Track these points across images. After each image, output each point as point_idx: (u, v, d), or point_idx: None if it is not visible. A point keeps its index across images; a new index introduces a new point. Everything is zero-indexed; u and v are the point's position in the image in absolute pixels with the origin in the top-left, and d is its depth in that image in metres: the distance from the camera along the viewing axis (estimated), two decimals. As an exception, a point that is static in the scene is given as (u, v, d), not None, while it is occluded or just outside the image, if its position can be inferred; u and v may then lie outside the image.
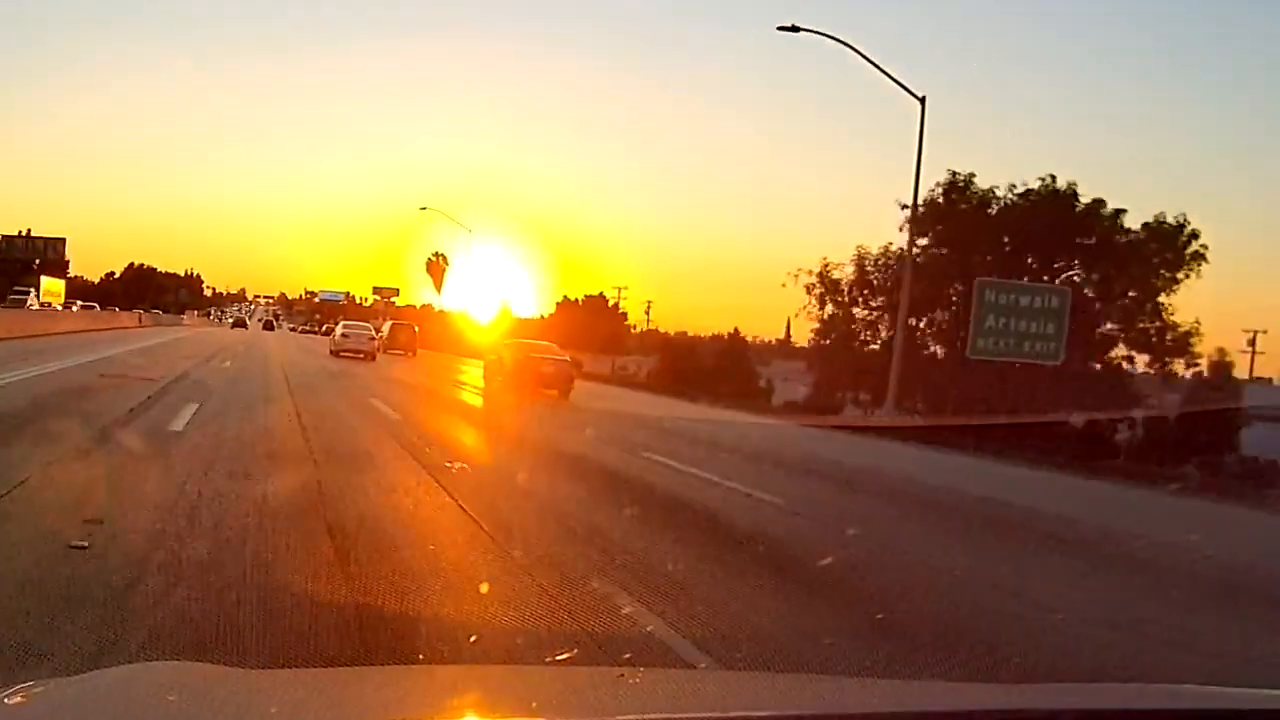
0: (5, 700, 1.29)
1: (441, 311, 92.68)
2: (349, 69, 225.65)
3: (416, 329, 42.88)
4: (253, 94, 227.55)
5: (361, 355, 31.78)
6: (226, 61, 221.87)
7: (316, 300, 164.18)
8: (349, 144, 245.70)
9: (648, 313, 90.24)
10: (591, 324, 77.28)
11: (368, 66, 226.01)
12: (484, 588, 4.05)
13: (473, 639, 3.31)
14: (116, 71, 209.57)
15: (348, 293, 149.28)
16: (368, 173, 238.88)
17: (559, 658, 3.30)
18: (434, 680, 1.80)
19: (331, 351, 33.76)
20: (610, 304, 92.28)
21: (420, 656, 3.19)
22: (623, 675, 1.56)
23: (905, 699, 1.60)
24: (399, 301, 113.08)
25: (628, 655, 3.50)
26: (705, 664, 3.23)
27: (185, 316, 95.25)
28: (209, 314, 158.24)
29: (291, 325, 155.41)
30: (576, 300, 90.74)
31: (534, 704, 1.46)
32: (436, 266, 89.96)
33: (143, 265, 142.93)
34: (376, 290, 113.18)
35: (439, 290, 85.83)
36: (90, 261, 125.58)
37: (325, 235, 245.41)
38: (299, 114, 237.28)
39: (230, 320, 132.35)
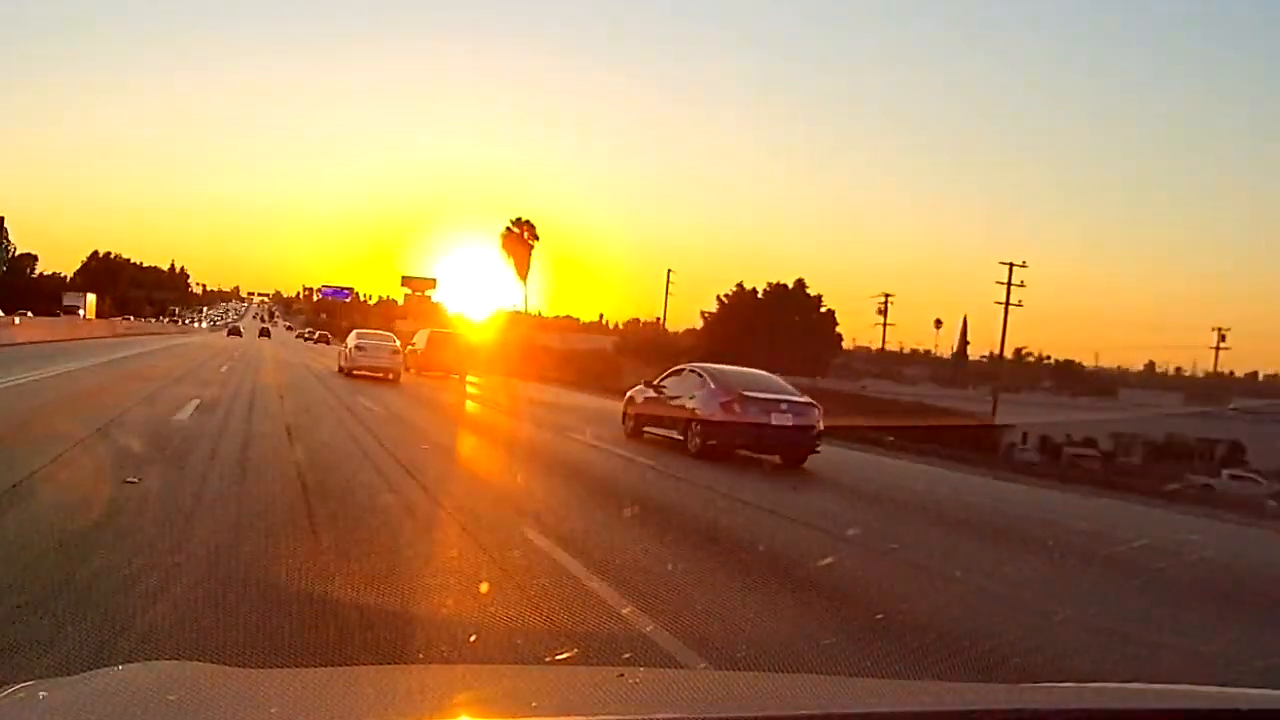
0: (4, 700, 1.30)
1: (453, 314, 76.49)
2: (349, 63, 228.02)
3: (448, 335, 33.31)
4: (247, 88, 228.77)
5: (381, 375, 25.63)
6: (220, 55, 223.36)
7: (317, 298, 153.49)
8: (340, 135, 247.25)
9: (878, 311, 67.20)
10: (780, 331, 56.25)
11: (369, 61, 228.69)
12: None
13: None
14: (111, 69, 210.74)
15: (351, 288, 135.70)
16: (367, 163, 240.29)
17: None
18: (434, 680, 1.84)
19: (342, 369, 27.27)
20: (812, 300, 64.52)
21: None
22: (623, 675, 1.59)
23: (905, 699, 1.64)
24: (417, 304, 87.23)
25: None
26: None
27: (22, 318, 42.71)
28: (174, 315, 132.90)
29: (289, 324, 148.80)
30: (754, 291, 64.78)
31: (534, 704, 1.50)
32: (518, 241, 64.53)
33: (109, 254, 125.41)
34: (406, 281, 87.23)
35: (523, 275, 64.07)
36: (72, 259, 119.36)
37: (323, 229, 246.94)
38: (293, 107, 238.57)
39: (212, 324, 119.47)
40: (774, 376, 14.87)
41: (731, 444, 13.09)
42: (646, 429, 14.81)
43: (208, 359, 29.88)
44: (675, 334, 71.27)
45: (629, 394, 15.91)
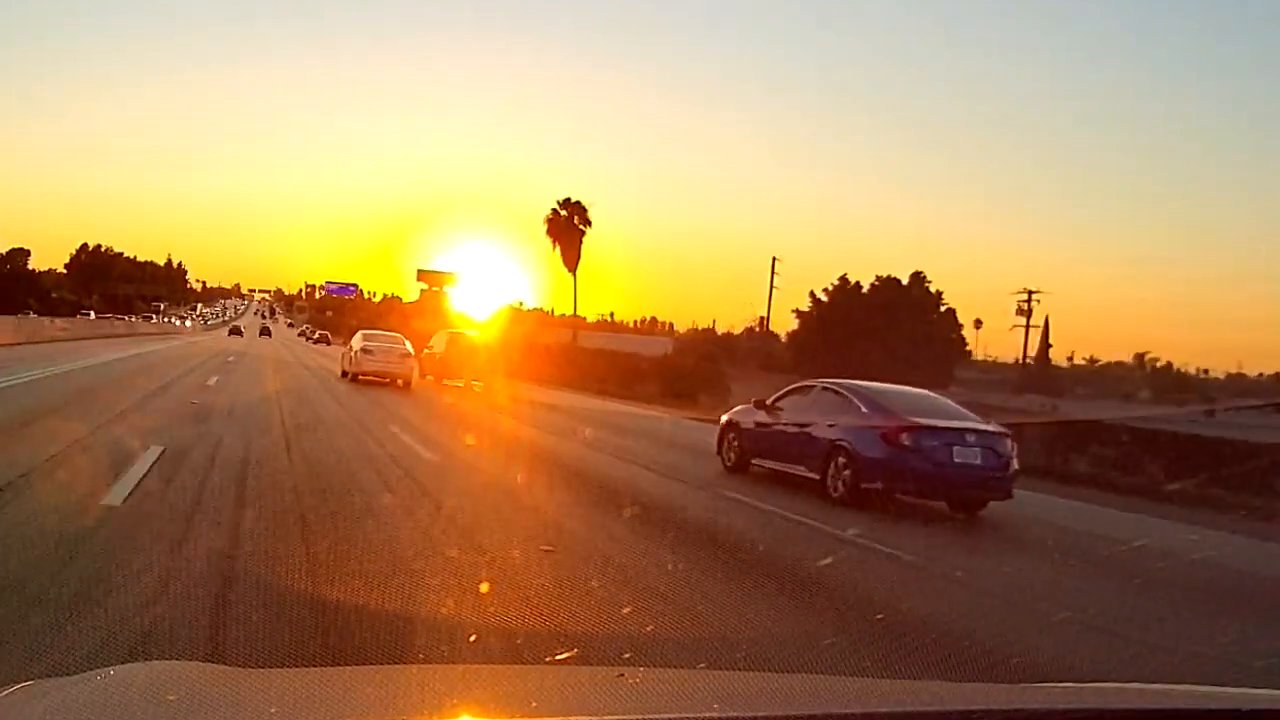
0: (4, 700, 1.31)
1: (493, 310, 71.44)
2: (353, 57, 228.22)
3: (470, 337, 30.44)
4: (247, 83, 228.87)
5: (389, 380, 24.21)
6: (220, 48, 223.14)
7: (320, 295, 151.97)
8: (343, 131, 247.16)
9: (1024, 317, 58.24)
10: (893, 334, 48.45)
11: (373, 55, 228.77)
12: None
13: None
14: (110, 65, 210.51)
15: (356, 285, 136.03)
16: (371, 159, 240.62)
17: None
18: (434, 680, 1.88)
19: (345, 373, 25.79)
20: (931, 298, 55.30)
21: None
22: (623, 675, 1.62)
23: (905, 699, 1.66)
24: (432, 299, 79.11)
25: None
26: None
27: None
28: (158, 311, 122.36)
29: (290, 321, 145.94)
30: (857, 286, 56.11)
31: (534, 704, 1.52)
32: (566, 226, 57.34)
33: (99, 248, 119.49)
34: (422, 275, 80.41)
35: (570, 265, 57.30)
36: (67, 256, 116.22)
37: (326, 225, 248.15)
38: (295, 103, 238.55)
39: (205, 323, 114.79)
40: (943, 398, 12.27)
41: (898, 488, 10.46)
42: (756, 461, 12.31)
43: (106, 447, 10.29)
44: (734, 335, 65.28)
45: (728, 417, 13.20)
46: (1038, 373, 65.86)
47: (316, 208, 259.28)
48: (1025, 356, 64.10)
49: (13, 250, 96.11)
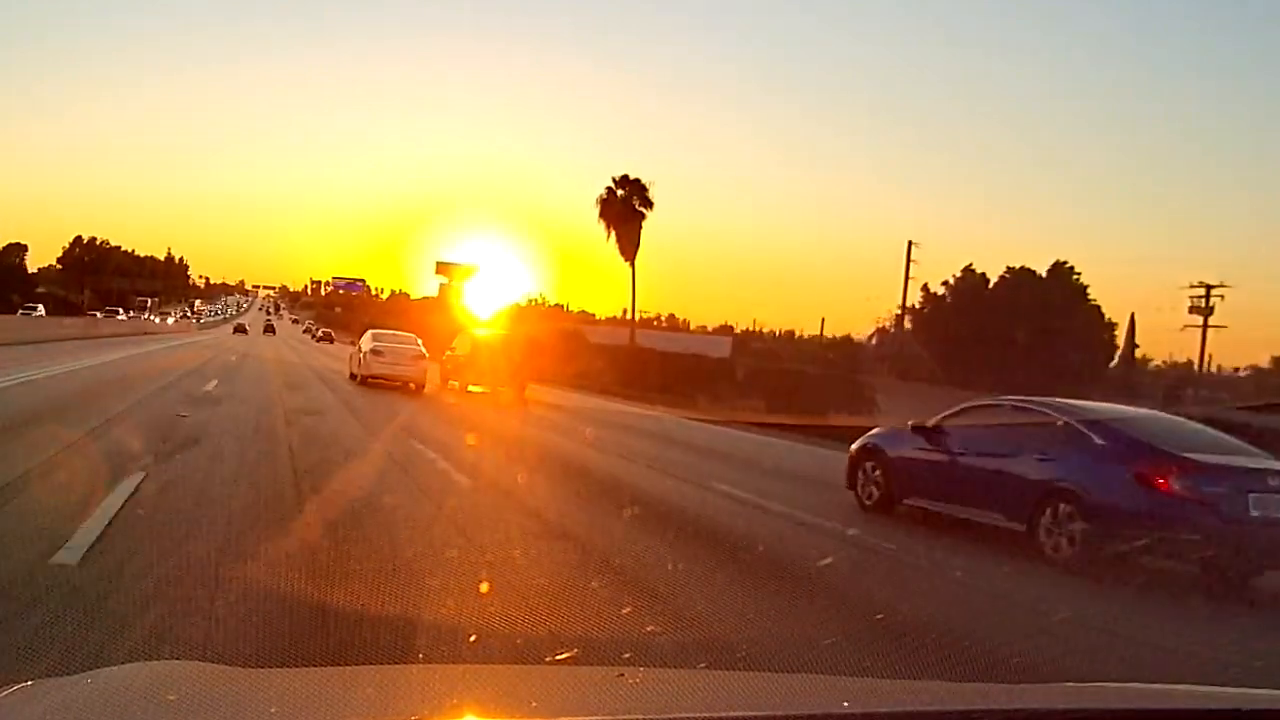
0: (4, 700, 1.32)
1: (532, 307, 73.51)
2: (356, 53, 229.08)
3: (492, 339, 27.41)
4: (250, 80, 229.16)
5: (400, 384, 23.30)
6: (222, 43, 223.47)
7: (326, 291, 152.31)
8: (346, 128, 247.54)
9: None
10: (1032, 334, 42.29)
11: (377, 51, 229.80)
12: None
13: None
14: (113, 61, 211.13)
15: (363, 280, 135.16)
16: (374, 156, 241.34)
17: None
18: (434, 680, 1.90)
19: (354, 376, 24.75)
20: (1076, 290, 48.04)
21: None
22: (623, 675, 1.64)
23: (905, 699, 1.68)
24: (447, 292, 74.11)
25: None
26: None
27: None
28: (145, 308, 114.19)
29: (295, 318, 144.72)
30: (984, 279, 49.56)
31: (534, 704, 1.54)
32: (623, 208, 50.22)
33: (94, 241, 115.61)
34: (441, 268, 75.23)
35: (628, 254, 50.40)
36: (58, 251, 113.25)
37: (330, 222, 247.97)
38: (298, 104, 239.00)
39: (200, 321, 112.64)
40: (1196, 424, 9.43)
41: (1164, 549, 7.73)
42: (912, 500, 9.86)
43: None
44: (856, 340, 57.90)
45: (865, 443, 10.68)
46: (1121, 376, 56.81)
47: (321, 205, 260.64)
48: (1203, 361, 54.01)
49: (9, 245, 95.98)
